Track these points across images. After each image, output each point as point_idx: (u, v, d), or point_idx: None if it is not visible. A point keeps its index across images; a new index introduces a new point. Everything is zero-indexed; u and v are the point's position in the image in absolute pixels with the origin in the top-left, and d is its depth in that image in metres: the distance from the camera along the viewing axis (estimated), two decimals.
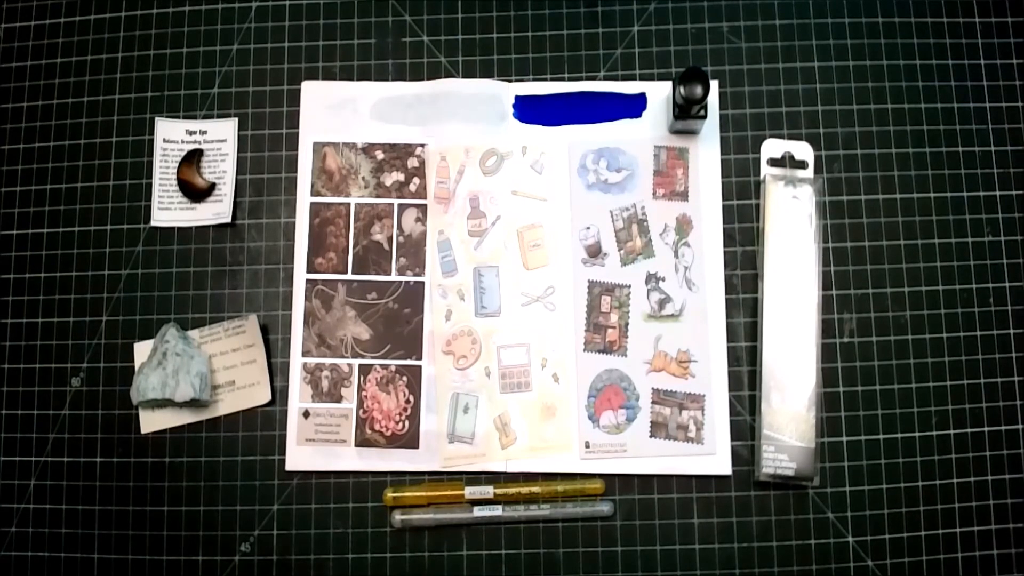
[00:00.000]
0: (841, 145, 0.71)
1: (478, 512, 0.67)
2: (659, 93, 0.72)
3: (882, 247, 0.70)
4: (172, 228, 0.73)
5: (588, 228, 0.71)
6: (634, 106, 0.72)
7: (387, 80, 0.73)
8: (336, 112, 0.73)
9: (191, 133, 0.73)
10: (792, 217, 0.69)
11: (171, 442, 0.70)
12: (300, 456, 0.69)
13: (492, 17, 0.74)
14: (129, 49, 0.75)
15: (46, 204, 0.74)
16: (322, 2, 0.75)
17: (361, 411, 0.69)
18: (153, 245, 0.72)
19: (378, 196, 0.72)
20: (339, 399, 0.70)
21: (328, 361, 0.70)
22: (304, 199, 0.72)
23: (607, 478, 0.68)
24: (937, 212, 0.70)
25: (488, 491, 0.67)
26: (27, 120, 0.75)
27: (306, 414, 0.70)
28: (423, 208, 0.72)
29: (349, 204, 0.72)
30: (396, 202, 0.72)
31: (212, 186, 0.72)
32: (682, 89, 0.66)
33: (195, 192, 0.72)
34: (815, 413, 0.67)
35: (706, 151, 0.71)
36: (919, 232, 0.70)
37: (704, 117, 0.68)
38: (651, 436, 0.68)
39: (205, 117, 0.74)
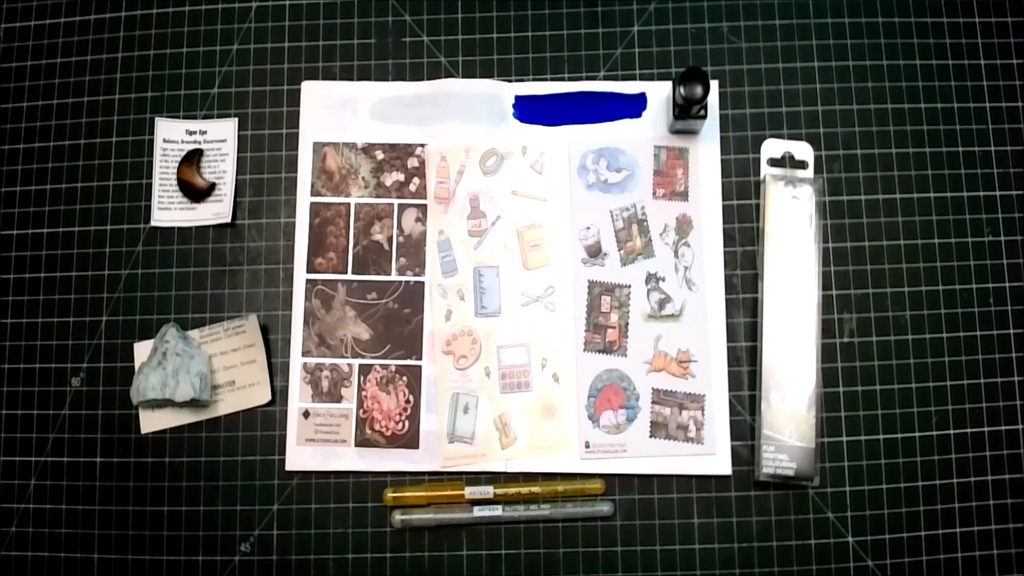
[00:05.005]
0: (841, 145, 0.71)
1: (478, 512, 0.67)
2: (659, 93, 0.72)
3: (882, 247, 0.70)
4: (172, 228, 0.73)
5: (588, 228, 0.71)
6: (634, 106, 0.72)
7: (387, 80, 0.73)
8: (336, 112, 0.73)
9: (191, 133, 0.73)
10: (792, 217, 0.69)
11: (171, 442, 0.70)
12: (300, 456, 0.69)
13: (492, 17, 0.74)
14: (129, 49, 0.75)
15: (46, 204, 0.74)
16: (322, 2, 0.75)
17: (361, 411, 0.69)
18: (153, 245, 0.72)
19: (378, 196, 0.72)
20: (339, 399, 0.70)
21: (328, 361, 0.70)
22: (304, 199, 0.72)
23: (607, 478, 0.68)
24: (937, 212, 0.70)
25: (488, 491, 0.67)
26: (27, 120, 0.75)
27: (306, 414, 0.70)
28: (423, 208, 0.72)
29: (349, 204, 0.72)
30: (396, 202, 0.72)
31: (212, 186, 0.72)
32: (682, 89, 0.66)
33: (195, 192, 0.72)
34: (815, 413, 0.67)
35: (706, 151, 0.71)
36: (919, 232, 0.70)
37: (704, 117, 0.68)
38: (651, 436, 0.68)
39: (205, 117, 0.74)
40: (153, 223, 0.73)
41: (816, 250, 0.69)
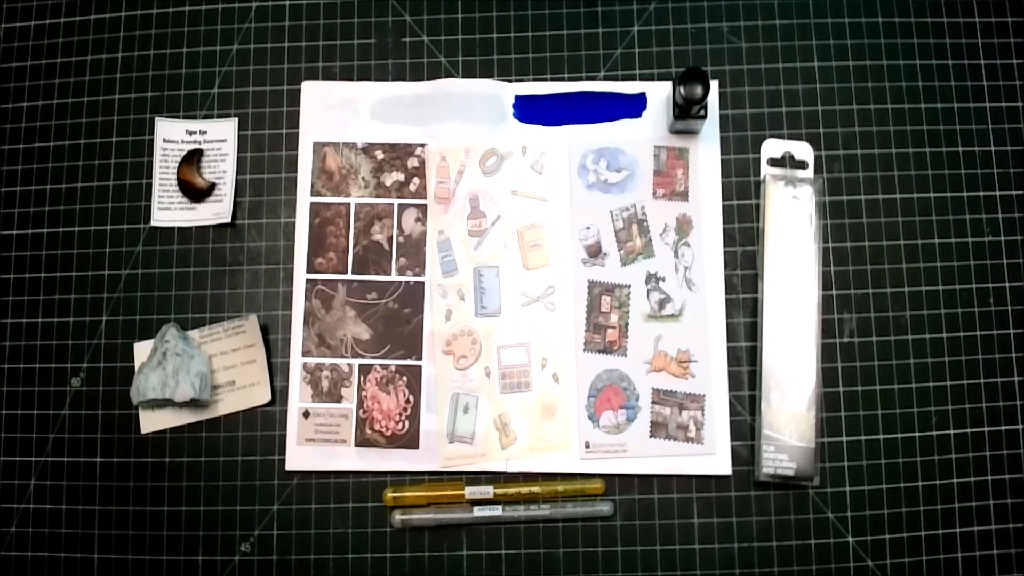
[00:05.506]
0: (841, 145, 0.71)
1: (478, 512, 0.67)
2: (659, 93, 0.72)
3: (882, 247, 0.70)
4: (172, 228, 0.73)
5: (588, 228, 0.71)
6: (634, 106, 0.72)
7: (387, 80, 0.73)
8: (336, 112, 0.73)
9: (191, 133, 0.73)
10: (792, 217, 0.69)
11: (171, 442, 0.70)
12: (300, 456, 0.69)
13: (492, 17, 0.74)
14: (129, 49, 0.75)
15: (46, 204, 0.74)
16: (322, 2, 0.75)
17: (361, 411, 0.69)
18: (153, 245, 0.73)
19: (378, 196, 0.72)
20: (339, 399, 0.70)
21: (328, 361, 0.70)
22: (304, 199, 0.72)
23: (607, 478, 0.68)
24: (937, 212, 0.70)
25: (488, 491, 0.67)
26: (27, 120, 0.75)
27: (306, 414, 0.70)
28: (423, 208, 0.72)
29: (349, 204, 0.72)
30: (396, 202, 0.72)
31: (212, 186, 0.72)
32: (682, 89, 0.66)
33: (195, 192, 0.72)
34: (815, 413, 0.67)
35: (706, 151, 0.71)
36: (919, 232, 0.70)
37: (704, 117, 0.68)
38: (651, 436, 0.68)
39: (205, 117, 0.74)
40: (153, 223, 0.73)
41: (816, 250, 0.69)
